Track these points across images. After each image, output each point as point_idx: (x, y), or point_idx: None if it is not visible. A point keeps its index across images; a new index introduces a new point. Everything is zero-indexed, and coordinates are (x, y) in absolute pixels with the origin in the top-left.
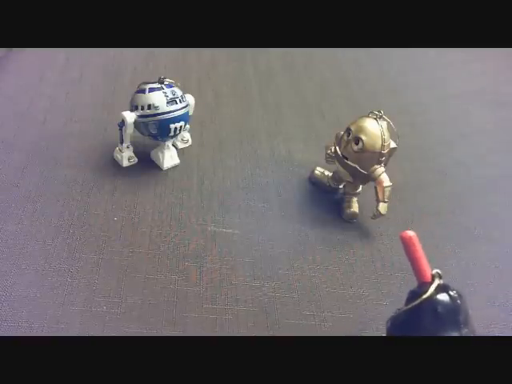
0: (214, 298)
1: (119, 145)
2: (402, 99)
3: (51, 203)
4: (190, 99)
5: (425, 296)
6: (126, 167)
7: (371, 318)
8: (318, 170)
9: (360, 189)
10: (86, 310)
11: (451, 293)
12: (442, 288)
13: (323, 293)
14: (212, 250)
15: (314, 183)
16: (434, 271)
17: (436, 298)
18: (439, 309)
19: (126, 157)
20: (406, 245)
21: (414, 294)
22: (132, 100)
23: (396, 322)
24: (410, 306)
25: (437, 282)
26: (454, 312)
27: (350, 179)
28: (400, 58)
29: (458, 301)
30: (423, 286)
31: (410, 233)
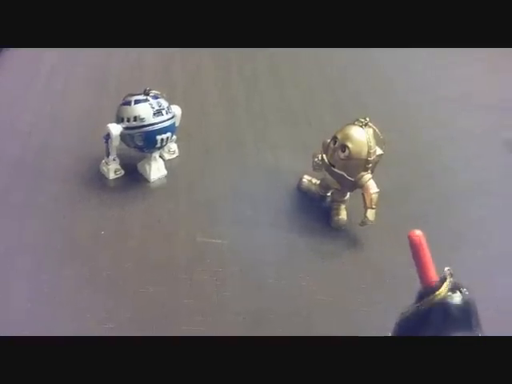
0: (205, 311)
1: (105, 157)
2: (388, 103)
3: (37, 217)
4: (176, 110)
5: (437, 295)
6: (113, 180)
7: (362, 326)
8: (306, 178)
9: (348, 196)
10: (75, 326)
11: (464, 292)
12: (454, 287)
13: (314, 302)
14: (201, 262)
15: (302, 191)
16: (446, 269)
17: (449, 298)
18: (452, 309)
19: (113, 169)
20: (414, 245)
21: (423, 295)
22: (118, 112)
23: (404, 324)
24: (420, 307)
25: (449, 280)
26: (468, 313)
27: (337, 187)
28: (387, 60)
29: (471, 301)
30: (432, 285)
31: (418, 232)
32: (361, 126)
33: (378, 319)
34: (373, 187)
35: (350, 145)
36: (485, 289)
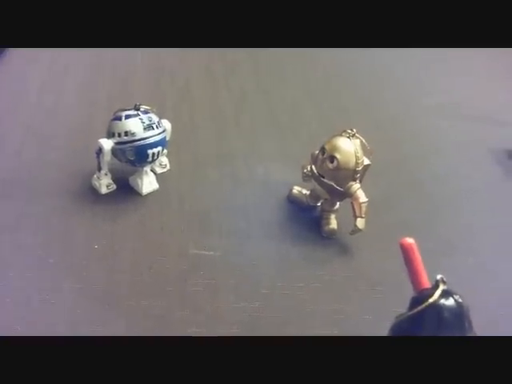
0: (199, 322)
1: (97, 172)
2: (375, 113)
3: (31, 232)
4: (166, 124)
5: (430, 300)
6: (106, 194)
7: (354, 333)
8: (296, 189)
9: (337, 206)
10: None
11: (456, 298)
12: (446, 293)
13: (306, 311)
14: (194, 274)
15: (293, 202)
16: (439, 276)
17: (441, 303)
18: (445, 313)
19: (105, 184)
20: (406, 252)
21: (416, 301)
22: (109, 127)
23: (398, 329)
24: (414, 312)
25: (441, 287)
26: (460, 317)
27: (327, 197)
28: (372, 69)
29: (464, 305)
30: (426, 291)
31: (410, 240)
32: (348, 137)
33: (370, 326)
34: (362, 196)
35: (338, 156)
36: (476, 294)
